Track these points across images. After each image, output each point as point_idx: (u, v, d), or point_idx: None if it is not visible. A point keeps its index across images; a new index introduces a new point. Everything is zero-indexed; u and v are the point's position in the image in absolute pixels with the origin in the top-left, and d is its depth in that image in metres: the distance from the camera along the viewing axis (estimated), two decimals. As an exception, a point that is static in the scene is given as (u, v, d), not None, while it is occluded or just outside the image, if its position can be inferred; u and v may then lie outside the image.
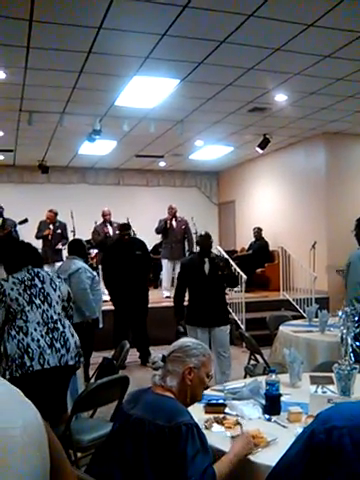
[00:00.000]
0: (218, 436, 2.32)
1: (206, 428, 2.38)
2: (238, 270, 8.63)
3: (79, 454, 3.25)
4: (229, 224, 13.52)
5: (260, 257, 10.80)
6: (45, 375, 3.32)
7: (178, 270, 9.59)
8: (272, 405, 2.64)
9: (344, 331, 2.89)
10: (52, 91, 6.77)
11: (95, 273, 5.75)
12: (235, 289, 8.03)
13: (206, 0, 4.42)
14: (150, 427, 1.97)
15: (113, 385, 3.41)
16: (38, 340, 3.34)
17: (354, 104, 7.68)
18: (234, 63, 5.96)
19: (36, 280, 3.51)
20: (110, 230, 9.27)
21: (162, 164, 12.49)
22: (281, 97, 7.29)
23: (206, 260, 5.32)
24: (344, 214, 9.25)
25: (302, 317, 6.95)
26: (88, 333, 5.28)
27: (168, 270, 9.69)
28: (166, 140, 9.74)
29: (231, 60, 5.85)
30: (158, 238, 10.03)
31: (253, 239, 11.27)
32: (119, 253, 6.97)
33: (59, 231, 9.51)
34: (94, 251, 9.74)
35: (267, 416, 2.59)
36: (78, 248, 5.65)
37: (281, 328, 5.39)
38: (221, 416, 2.55)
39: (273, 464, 1.93)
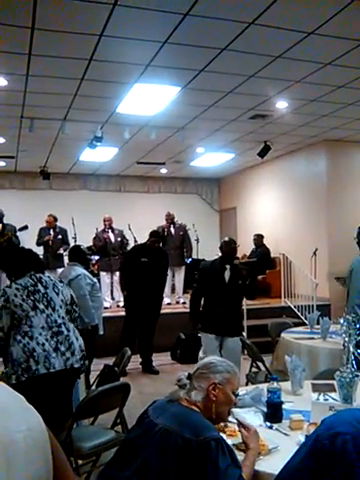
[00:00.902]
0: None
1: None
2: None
3: (80, 461, 3.24)
4: (230, 231, 13.50)
5: (262, 264, 10.79)
6: (51, 378, 3.35)
7: (178, 276, 9.72)
8: (274, 413, 2.63)
9: (346, 338, 2.88)
10: (53, 98, 6.79)
11: (95, 280, 5.74)
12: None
13: (207, 8, 4.44)
14: (177, 439, 1.94)
15: (114, 392, 3.40)
16: (43, 344, 3.37)
17: (355, 111, 7.70)
18: (235, 70, 5.97)
19: (39, 285, 3.53)
20: (111, 236, 9.28)
21: (163, 171, 12.51)
22: (282, 104, 7.31)
23: (227, 267, 5.09)
24: (345, 221, 9.26)
25: (303, 324, 6.94)
26: (88, 340, 5.26)
27: (168, 277, 9.67)
28: (167, 147, 9.76)
29: (232, 68, 5.87)
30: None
31: (254, 246, 11.27)
32: (145, 258, 6.91)
33: (60, 237, 9.52)
34: (95, 258, 9.75)
35: (269, 424, 2.58)
36: (79, 255, 5.64)
37: (283, 335, 5.38)
38: (222, 424, 2.53)
39: (275, 472, 1.92)
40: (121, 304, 7.35)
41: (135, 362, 6.72)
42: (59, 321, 3.52)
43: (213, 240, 11.01)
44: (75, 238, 9.59)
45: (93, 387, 4.37)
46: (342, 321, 2.94)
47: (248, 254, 11.43)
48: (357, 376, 2.80)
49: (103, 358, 5.78)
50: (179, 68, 5.87)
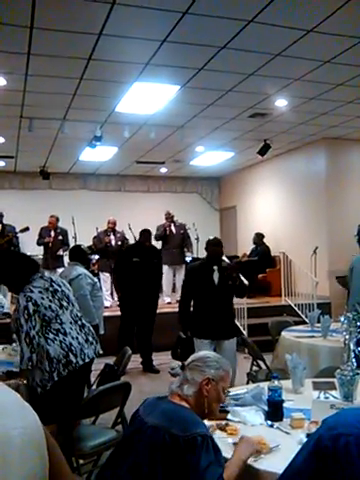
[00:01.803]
0: (220, 443, 2.30)
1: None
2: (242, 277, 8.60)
3: (81, 461, 3.23)
4: (230, 230, 13.52)
5: (262, 262, 10.78)
6: (85, 368, 3.57)
7: (179, 275, 9.71)
8: (275, 411, 2.62)
9: (346, 336, 2.88)
10: (53, 98, 6.79)
11: (96, 279, 5.74)
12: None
13: (206, 6, 4.44)
14: (165, 436, 1.96)
15: (115, 392, 3.40)
16: (77, 337, 3.52)
17: (354, 109, 7.69)
18: (234, 69, 5.97)
19: (54, 285, 3.57)
20: (112, 240, 9.26)
21: (163, 170, 12.50)
22: (281, 102, 7.31)
23: (215, 268, 4.86)
24: (345, 219, 9.26)
25: (304, 323, 6.93)
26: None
27: (168, 276, 9.67)
28: (167, 146, 9.75)
29: (231, 66, 5.86)
30: (158, 244, 10.01)
31: (254, 245, 11.27)
32: (137, 257, 6.90)
33: (60, 237, 9.51)
34: (95, 257, 9.74)
35: (269, 422, 2.57)
36: (79, 254, 5.64)
37: (283, 334, 5.37)
38: (223, 422, 2.53)
39: (276, 470, 1.92)
40: (121, 303, 7.35)
41: (135, 361, 6.71)
42: (79, 314, 3.69)
43: (213, 239, 10.98)
44: (75, 238, 9.58)
45: (94, 386, 4.37)
46: (342, 319, 2.94)
47: (248, 253, 11.43)
48: (358, 374, 2.80)
49: (103, 357, 5.76)
50: (178, 67, 5.86)
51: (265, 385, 2.85)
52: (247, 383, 4.59)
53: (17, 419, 0.75)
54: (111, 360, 4.62)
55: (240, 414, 2.63)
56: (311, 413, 2.55)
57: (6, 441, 0.71)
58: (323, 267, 9.41)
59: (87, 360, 3.54)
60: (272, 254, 11.00)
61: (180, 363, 2.30)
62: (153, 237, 9.59)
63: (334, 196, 9.71)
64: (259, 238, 11.17)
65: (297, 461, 1.16)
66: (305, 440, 2.16)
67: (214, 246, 4.98)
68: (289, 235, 10.69)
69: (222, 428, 2.46)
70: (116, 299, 9.22)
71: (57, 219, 9.64)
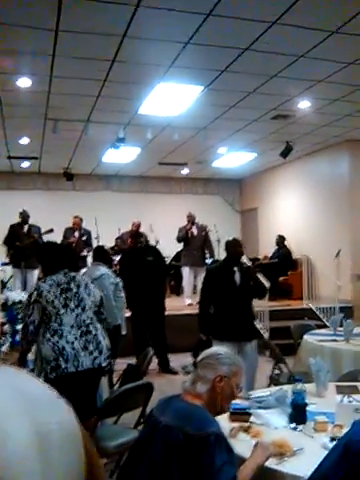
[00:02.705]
0: (244, 444, 2.31)
1: (231, 436, 2.36)
2: (262, 278, 8.56)
3: (104, 460, 3.26)
4: (252, 232, 13.46)
5: (283, 265, 10.72)
6: (79, 377, 3.40)
7: (200, 277, 9.68)
8: (298, 414, 2.61)
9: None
10: (77, 99, 6.86)
11: (118, 279, 5.77)
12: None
13: (229, 8, 4.44)
14: (179, 435, 1.97)
15: (137, 391, 3.42)
16: (72, 343, 3.42)
17: (379, 111, 7.61)
18: (258, 70, 5.95)
19: (72, 284, 3.58)
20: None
21: (185, 171, 12.52)
22: (304, 104, 7.26)
23: (236, 269, 4.87)
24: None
25: (325, 326, 6.87)
26: (112, 339, 5.29)
27: (189, 277, 9.68)
28: (189, 147, 9.76)
29: (255, 68, 5.85)
30: (180, 245, 10.02)
31: (276, 247, 11.22)
32: (132, 260, 7.06)
33: (84, 238, 9.57)
34: (118, 258, 9.79)
35: (293, 425, 2.56)
36: (102, 255, 5.69)
37: (305, 337, 5.33)
38: (246, 425, 2.53)
39: (299, 473, 1.91)
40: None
41: (153, 363, 6.70)
42: (87, 321, 3.56)
43: (235, 241, 10.95)
44: (98, 239, 9.65)
45: (116, 386, 4.40)
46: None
47: (270, 255, 11.38)
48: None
49: (124, 358, 5.80)
50: (202, 68, 5.87)
51: (288, 388, 2.84)
52: (268, 386, 4.56)
53: (53, 413, 0.75)
54: (132, 360, 4.64)
55: (263, 416, 2.62)
56: (335, 417, 2.54)
57: (45, 437, 0.71)
58: (346, 270, 9.31)
59: (81, 368, 3.40)
60: (294, 257, 10.93)
61: (192, 361, 2.29)
62: (175, 239, 9.63)
63: (358, 198, 9.60)
64: (281, 240, 11.12)
65: (324, 465, 1.16)
66: (329, 444, 2.15)
67: (235, 247, 5.00)
68: (311, 238, 10.60)
69: (245, 430, 2.46)
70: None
71: (81, 220, 9.71)
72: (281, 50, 5.36)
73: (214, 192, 13.86)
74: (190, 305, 9.29)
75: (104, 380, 4.21)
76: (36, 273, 8.50)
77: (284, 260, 10.84)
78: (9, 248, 9.09)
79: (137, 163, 11.12)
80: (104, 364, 3.57)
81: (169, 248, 9.93)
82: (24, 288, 8.43)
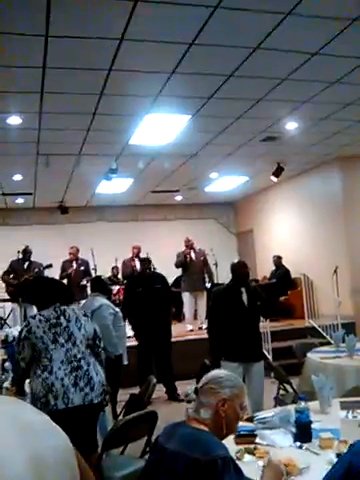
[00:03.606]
0: (250, 466, 2.29)
1: (238, 459, 2.35)
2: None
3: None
4: (248, 253, 13.49)
5: (282, 285, 10.72)
6: (70, 414, 3.28)
7: (200, 301, 9.67)
8: (303, 432, 2.60)
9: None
10: (67, 134, 6.95)
11: (118, 309, 5.76)
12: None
13: (211, 36, 4.54)
14: (186, 460, 1.95)
15: (142, 421, 3.39)
16: (62, 379, 3.33)
17: (365, 127, 7.72)
18: (243, 95, 6.06)
19: (62, 318, 3.52)
20: (137, 264, 9.34)
21: (178, 198, 12.61)
22: (292, 125, 7.36)
23: (243, 290, 4.95)
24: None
25: (329, 343, 6.85)
26: (113, 370, 5.26)
27: (190, 303, 9.65)
28: (181, 174, 9.85)
29: (240, 93, 5.95)
30: (178, 271, 10.03)
31: (274, 267, 11.23)
32: (140, 287, 7.01)
33: (82, 268, 9.57)
34: (116, 288, 9.80)
35: (298, 444, 2.55)
36: (100, 285, 5.70)
37: (309, 355, 5.32)
38: (252, 446, 2.52)
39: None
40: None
41: (159, 391, 6.65)
42: (79, 356, 3.46)
43: (232, 264, 10.97)
44: (95, 269, 9.66)
45: (120, 417, 4.36)
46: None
47: (268, 276, 11.38)
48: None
49: (127, 388, 5.75)
50: (188, 97, 5.98)
51: (292, 407, 2.83)
52: (274, 407, 4.53)
53: (49, 439, 0.78)
54: (136, 390, 4.61)
55: (268, 437, 2.61)
56: (340, 432, 2.53)
57: (39, 461, 0.73)
58: (345, 286, 9.31)
59: (71, 405, 3.28)
60: (293, 276, 10.94)
61: (193, 387, 2.28)
62: (174, 265, 9.64)
63: (352, 214, 9.66)
64: (278, 260, 11.13)
65: None
66: (335, 460, 2.14)
67: (242, 268, 5.10)
68: (308, 256, 10.62)
69: (251, 452, 2.45)
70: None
71: (77, 250, 9.73)
72: (265, 74, 5.46)
73: (209, 216, 13.94)
74: (191, 331, 9.26)
75: (108, 411, 4.18)
76: (35, 308, 8.46)
77: (283, 280, 10.84)
78: (7, 285, 9.08)
79: (130, 192, 11.20)
80: (96, 401, 3.43)
81: (166, 274, 9.92)
82: (24, 324, 8.38)
